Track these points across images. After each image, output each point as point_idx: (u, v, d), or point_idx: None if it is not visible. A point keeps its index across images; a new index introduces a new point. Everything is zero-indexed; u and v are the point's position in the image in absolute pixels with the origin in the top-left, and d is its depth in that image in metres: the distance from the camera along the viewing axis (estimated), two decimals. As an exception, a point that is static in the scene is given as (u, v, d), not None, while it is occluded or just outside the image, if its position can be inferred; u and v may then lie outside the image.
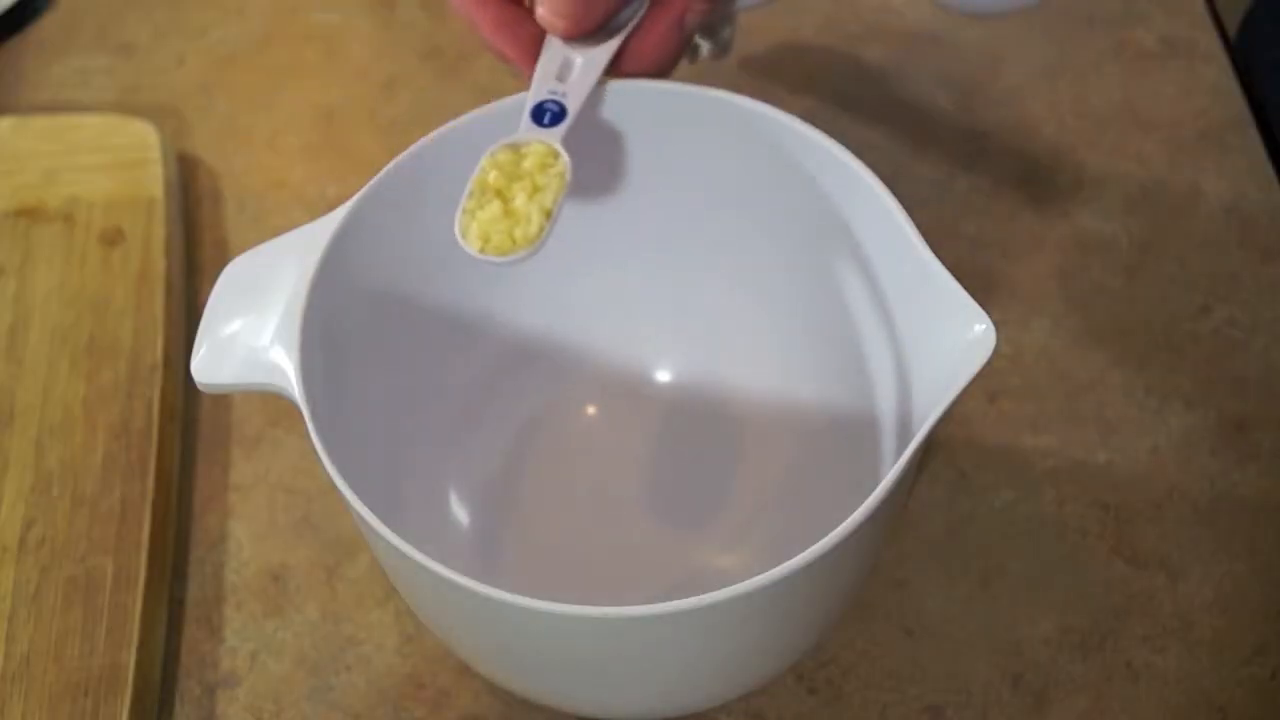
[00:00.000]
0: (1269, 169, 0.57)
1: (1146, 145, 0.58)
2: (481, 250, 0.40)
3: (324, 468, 0.37)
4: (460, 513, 0.48)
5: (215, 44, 0.65)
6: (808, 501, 0.47)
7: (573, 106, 0.42)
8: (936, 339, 0.38)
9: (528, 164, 0.41)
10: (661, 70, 0.45)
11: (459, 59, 0.64)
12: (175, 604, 0.48)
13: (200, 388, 0.41)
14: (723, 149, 0.45)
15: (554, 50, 0.43)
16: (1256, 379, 0.51)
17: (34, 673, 0.45)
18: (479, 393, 0.50)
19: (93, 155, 0.58)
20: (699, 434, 0.50)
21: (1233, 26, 0.64)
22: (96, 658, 0.45)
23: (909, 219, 0.40)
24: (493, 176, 0.40)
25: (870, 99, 0.60)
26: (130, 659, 0.45)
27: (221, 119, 0.62)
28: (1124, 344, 0.53)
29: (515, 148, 0.41)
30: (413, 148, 0.43)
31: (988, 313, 0.37)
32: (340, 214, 0.42)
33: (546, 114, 0.42)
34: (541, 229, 0.40)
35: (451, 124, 0.43)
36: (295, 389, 0.38)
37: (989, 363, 0.36)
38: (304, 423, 0.37)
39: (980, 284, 0.48)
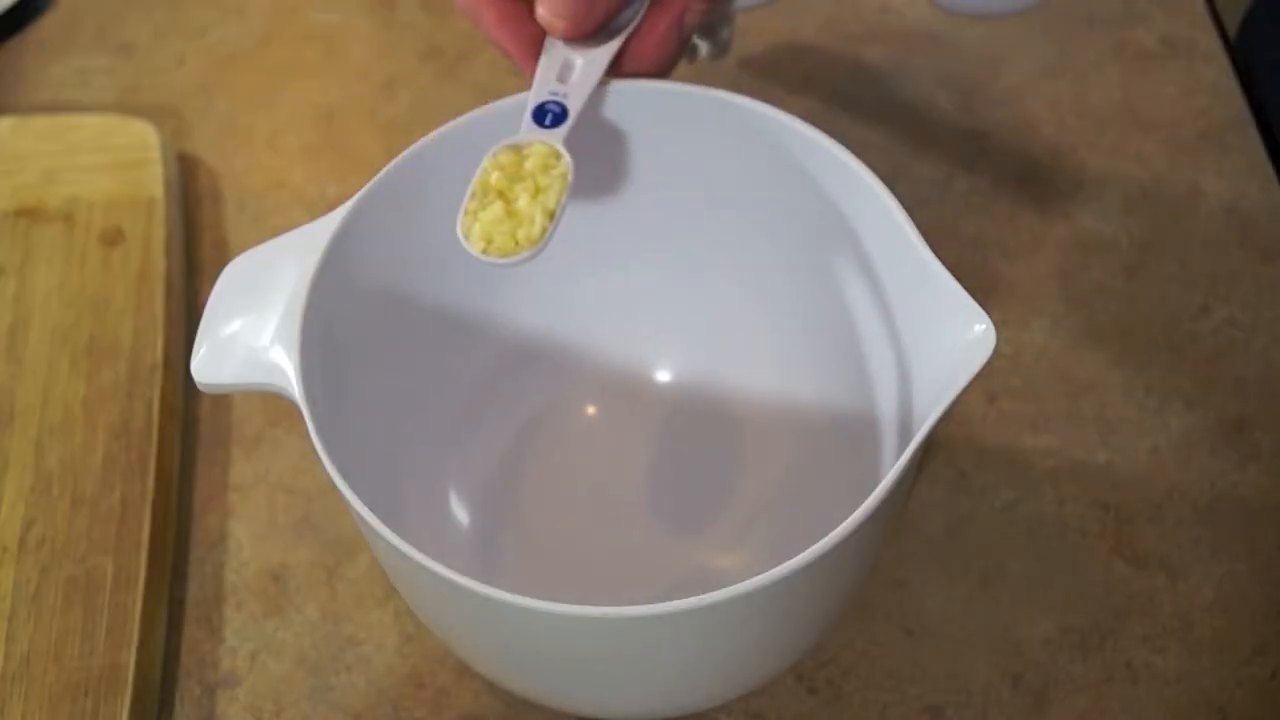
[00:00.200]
0: (1269, 169, 0.57)
1: (1146, 145, 0.58)
2: (484, 251, 0.40)
3: (324, 468, 0.37)
4: (460, 513, 0.48)
5: (215, 44, 0.65)
6: (808, 501, 0.47)
7: (574, 107, 0.42)
8: (936, 339, 0.38)
9: (530, 165, 0.41)
10: (662, 71, 0.45)
11: (459, 59, 0.64)
12: (175, 604, 0.48)
13: (200, 388, 0.41)
14: (723, 149, 0.45)
15: (555, 51, 0.43)
16: (1256, 379, 0.51)
17: (34, 673, 0.45)
18: (479, 393, 0.50)
19: (93, 155, 0.58)
20: (699, 434, 0.50)
21: (1233, 26, 0.64)
22: (96, 658, 0.45)
23: (909, 219, 0.40)
24: (495, 177, 0.40)
25: (870, 99, 0.60)
26: (130, 659, 0.45)
27: (221, 119, 0.62)
28: (1124, 344, 0.53)
29: (517, 149, 0.41)
30: (413, 148, 0.43)
31: (988, 313, 0.37)
32: (340, 214, 0.42)
33: (548, 115, 0.42)
34: (545, 230, 0.40)
35: (451, 124, 0.43)
36: (295, 389, 0.38)
37: (989, 363, 0.36)
38: (304, 423, 0.37)
39: (980, 284, 0.48)
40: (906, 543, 0.48)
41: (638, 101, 0.45)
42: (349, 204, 0.42)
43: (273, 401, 0.46)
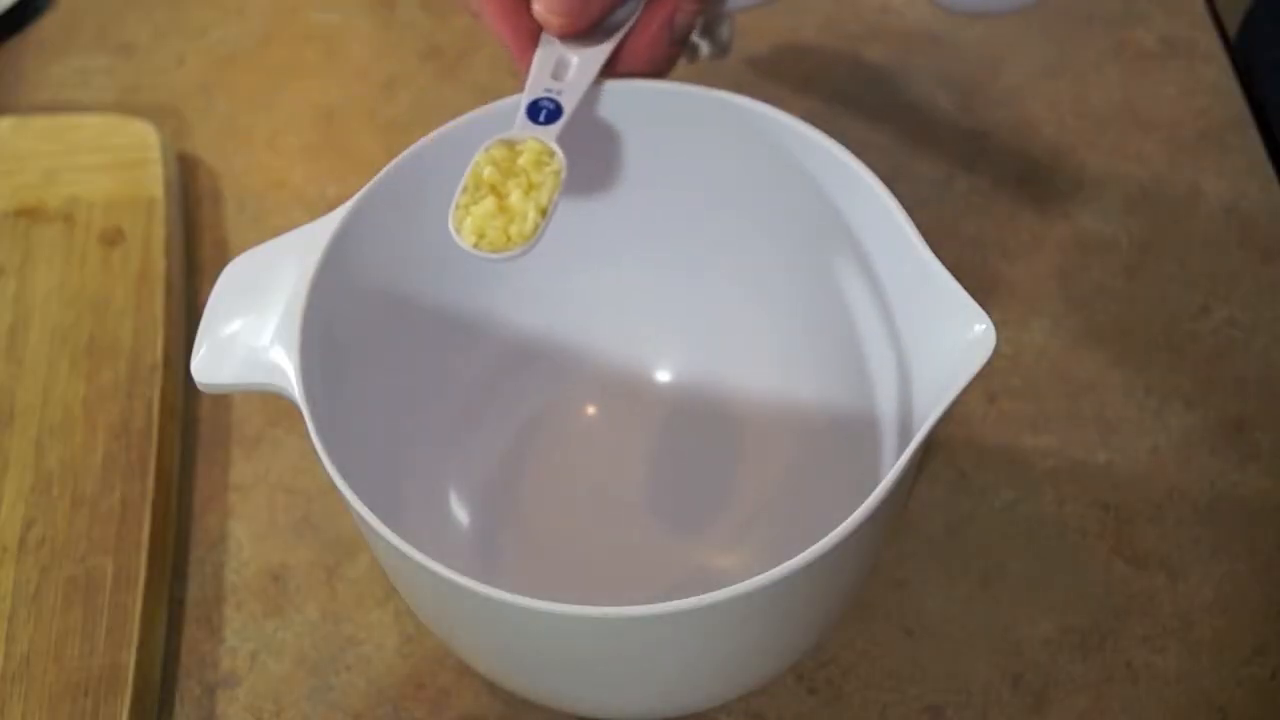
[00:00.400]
0: (1269, 169, 0.57)
1: (1146, 145, 0.58)
2: (476, 245, 0.39)
3: (324, 468, 0.37)
4: (460, 513, 0.48)
5: (215, 44, 0.65)
6: (808, 501, 0.47)
7: (568, 105, 0.42)
8: (936, 339, 0.38)
9: (523, 161, 0.41)
10: (656, 71, 0.45)
11: (459, 59, 0.64)
12: (175, 604, 0.48)
13: (200, 388, 0.41)
14: (723, 149, 0.45)
15: (550, 48, 0.43)
16: (1256, 379, 0.51)
17: (34, 673, 0.45)
18: (479, 393, 0.50)
19: (93, 155, 0.58)
20: (699, 434, 0.50)
21: (1233, 26, 0.64)
22: (96, 658, 0.45)
23: (909, 219, 0.40)
24: (488, 172, 0.40)
25: (870, 99, 0.60)
26: (130, 659, 0.45)
27: (221, 119, 0.62)
28: (1124, 344, 0.53)
29: (510, 144, 0.41)
30: (413, 148, 0.43)
31: (988, 313, 0.37)
32: (340, 214, 0.42)
33: (542, 111, 0.42)
34: (537, 226, 0.40)
35: (451, 124, 0.43)
36: (295, 389, 0.38)
37: (989, 363, 0.36)
38: (304, 423, 0.37)
39: (980, 284, 0.48)
40: (906, 543, 0.48)
41: (638, 101, 0.45)
42: (349, 204, 0.42)
43: (273, 401, 0.46)
